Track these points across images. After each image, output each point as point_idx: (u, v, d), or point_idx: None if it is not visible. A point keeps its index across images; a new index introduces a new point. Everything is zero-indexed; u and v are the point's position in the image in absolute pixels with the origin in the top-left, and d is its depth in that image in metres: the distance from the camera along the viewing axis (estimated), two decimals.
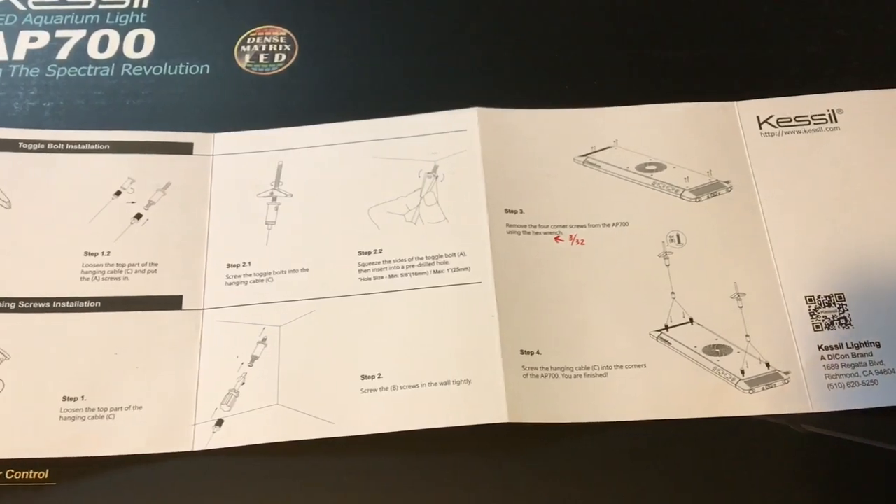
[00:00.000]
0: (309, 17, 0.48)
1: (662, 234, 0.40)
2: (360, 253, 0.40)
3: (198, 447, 0.36)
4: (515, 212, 0.41)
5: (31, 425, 0.35)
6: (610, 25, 0.47)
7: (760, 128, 0.42)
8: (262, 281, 0.39)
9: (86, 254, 0.39)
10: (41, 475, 0.35)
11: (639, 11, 0.47)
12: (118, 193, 0.41)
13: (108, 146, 0.42)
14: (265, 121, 0.44)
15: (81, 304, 0.38)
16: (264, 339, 0.38)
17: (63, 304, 0.38)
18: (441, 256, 0.39)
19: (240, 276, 0.39)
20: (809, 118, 0.42)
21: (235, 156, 0.43)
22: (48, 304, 0.38)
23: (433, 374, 0.37)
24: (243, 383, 0.37)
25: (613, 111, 0.44)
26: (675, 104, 0.43)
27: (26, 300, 0.38)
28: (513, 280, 0.39)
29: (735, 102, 0.43)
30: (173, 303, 0.39)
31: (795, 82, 0.44)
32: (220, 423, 0.36)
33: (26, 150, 0.42)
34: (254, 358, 0.37)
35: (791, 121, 0.42)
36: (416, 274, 0.39)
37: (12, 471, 0.35)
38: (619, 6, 0.48)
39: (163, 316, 0.38)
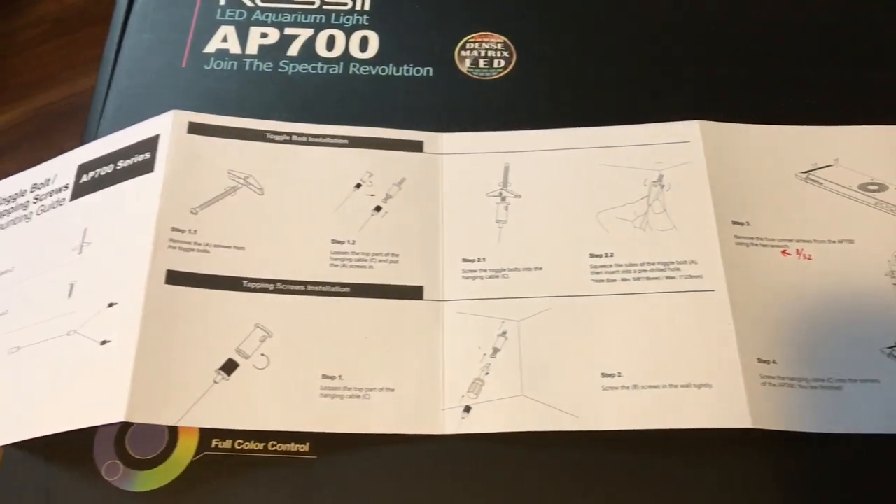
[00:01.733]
0: (525, 26, 0.49)
1: (888, 254, 0.41)
2: (592, 255, 0.41)
3: (447, 431, 0.38)
4: (742, 224, 0.42)
5: (294, 400, 0.38)
6: (825, 45, 0.48)
7: None
8: (497, 277, 0.41)
9: (333, 241, 0.42)
10: (302, 448, 0.38)
11: (854, 32, 0.48)
12: (358, 186, 0.43)
13: (346, 141, 0.45)
14: (486, 124, 0.46)
15: (332, 289, 0.40)
16: (504, 333, 0.40)
17: (316, 288, 0.40)
18: (672, 263, 0.41)
19: (475, 272, 0.41)
20: None
21: (463, 156, 0.45)
22: (303, 287, 0.40)
23: (673, 377, 0.38)
24: (487, 373, 0.39)
25: (833, 130, 0.45)
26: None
27: (283, 282, 0.40)
28: (744, 290, 0.40)
29: None
30: (415, 293, 0.41)
31: None
32: (467, 409, 0.38)
33: (273, 141, 0.44)
34: (496, 350, 0.39)
35: None
36: (648, 279, 0.40)
37: (275, 442, 0.38)
38: (834, 26, 0.48)
39: (406, 305, 0.40)
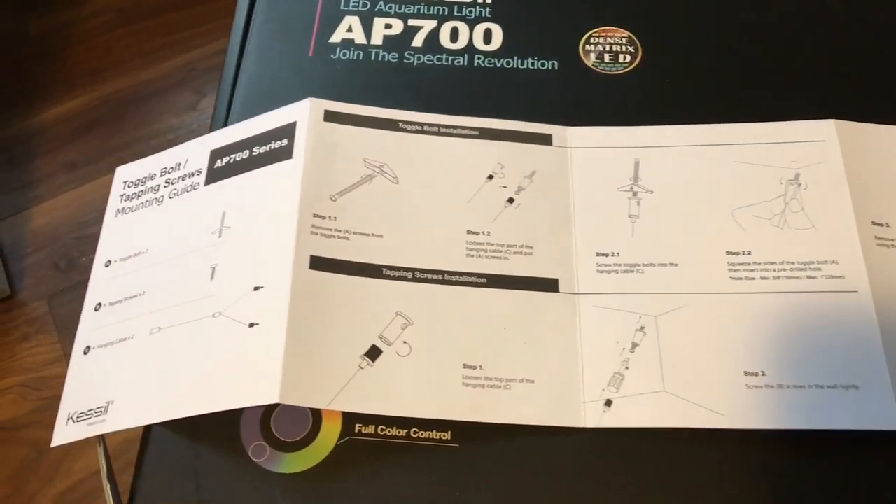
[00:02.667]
0: (649, 20, 0.49)
1: None
2: (729, 253, 0.41)
3: (589, 424, 0.38)
4: (882, 225, 0.41)
5: (437, 389, 0.38)
6: None
7: None
8: (632, 272, 0.41)
9: (468, 232, 0.42)
10: (444, 436, 0.38)
11: None
12: (490, 177, 0.43)
13: (477, 132, 0.45)
14: (612, 118, 0.46)
15: (469, 279, 0.41)
16: (642, 328, 0.40)
17: (453, 278, 0.40)
18: (812, 263, 0.40)
19: (610, 266, 0.41)
20: None
21: (592, 150, 0.45)
22: (441, 277, 0.40)
23: (819, 377, 0.38)
24: (627, 367, 0.39)
25: None
26: None
27: (421, 271, 0.40)
28: (887, 292, 0.39)
29: None
30: (550, 285, 0.41)
31: None
32: (608, 403, 0.38)
33: (406, 131, 0.44)
34: (634, 345, 0.39)
35: None
36: (788, 278, 0.40)
37: (417, 430, 0.38)
38: None
39: (541, 297, 0.40)
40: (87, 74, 1.42)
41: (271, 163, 0.42)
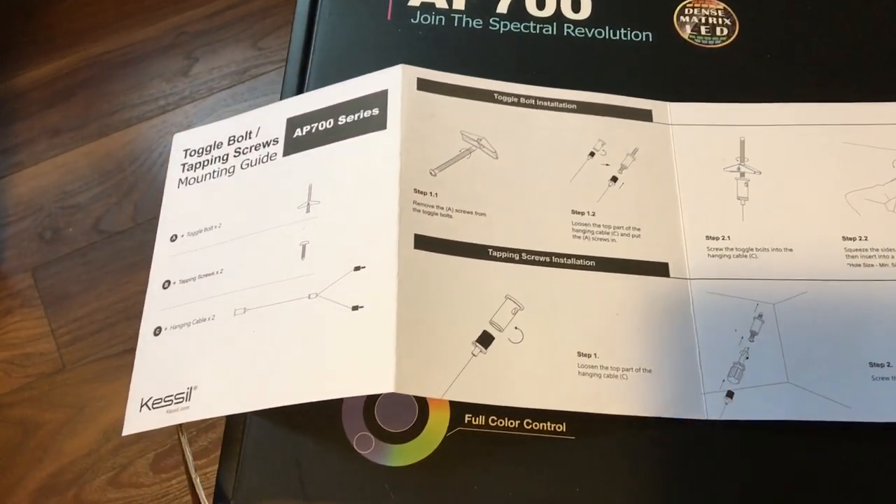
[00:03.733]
0: None
1: None
2: (845, 238, 0.39)
3: (711, 416, 0.36)
4: None
5: (553, 378, 0.36)
6: None
7: None
8: (745, 256, 0.39)
9: (573, 212, 0.39)
10: (559, 427, 0.36)
11: None
12: (592, 154, 0.41)
13: (574, 106, 0.42)
14: (712, 95, 0.44)
15: (578, 262, 0.38)
16: (760, 315, 0.38)
17: (561, 260, 0.38)
18: None
19: (721, 250, 0.39)
20: None
21: (694, 127, 0.43)
22: (548, 259, 0.38)
23: None
24: (747, 357, 0.37)
25: None
26: None
27: (528, 252, 0.38)
28: None
29: None
30: (660, 269, 0.39)
31: None
32: (730, 394, 0.36)
33: (502, 102, 0.42)
34: (753, 333, 0.37)
35: None
36: None
37: (530, 420, 0.36)
38: None
39: (652, 281, 0.38)
40: (72, 34, 1.35)
41: (362, 133, 0.39)
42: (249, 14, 1.31)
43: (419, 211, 0.37)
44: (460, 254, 0.37)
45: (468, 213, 0.38)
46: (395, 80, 0.40)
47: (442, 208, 0.38)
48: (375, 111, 0.40)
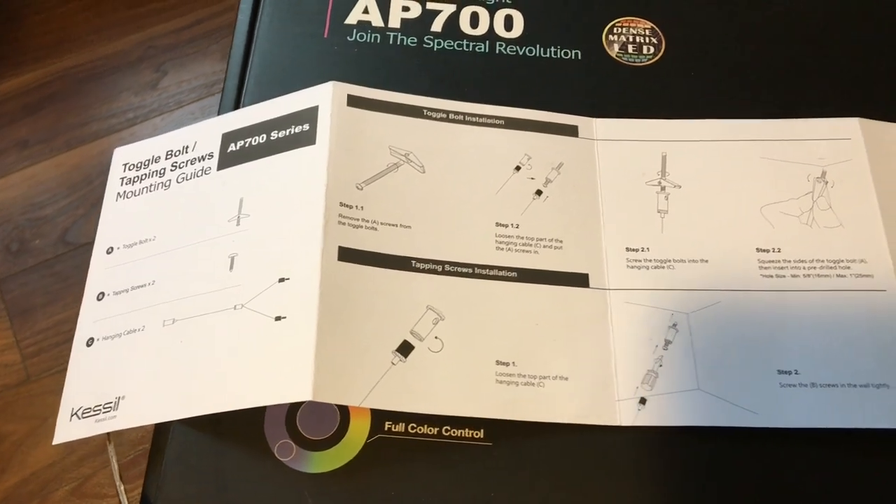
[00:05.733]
0: (672, 11, 0.48)
1: None
2: (759, 250, 0.41)
3: (624, 422, 0.37)
4: None
5: (471, 386, 0.37)
6: None
7: None
8: (662, 268, 0.40)
9: (497, 224, 0.41)
10: (477, 434, 0.37)
11: None
12: (517, 168, 0.42)
13: (502, 121, 0.44)
14: (637, 111, 0.45)
15: (500, 273, 0.39)
16: (675, 325, 0.39)
17: (484, 272, 0.39)
18: (842, 262, 0.40)
19: (640, 261, 0.41)
20: None
21: (618, 142, 0.44)
22: (471, 270, 0.39)
23: (851, 376, 0.38)
24: (661, 365, 0.38)
25: None
26: None
27: (451, 264, 0.39)
28: None
29: None
30: (580, 280, 0.40)
31: None
32: (643, 401, 0.37)
33: (430, 118, 0.43)
34: (667, 342, 0.39)
35: None
36: (818, 276, 0.40)
37: (449, 427, 0.37)
38: None
39: (573, 292, 0.40)
40: (42, 48, 1.36)
41: (292, 148, 0.40)
42: (217, 28, 1.32)
43: (344, 224, 0.38)
44: (384, 265, 0.38)
45: (393, 225, 0.39)
46: (326, 96, 0.41)
47: (367, 221, 0.39)
48: (306, 127, 0.41)
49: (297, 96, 0.42)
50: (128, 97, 1.32)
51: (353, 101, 0.42)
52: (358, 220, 0.39)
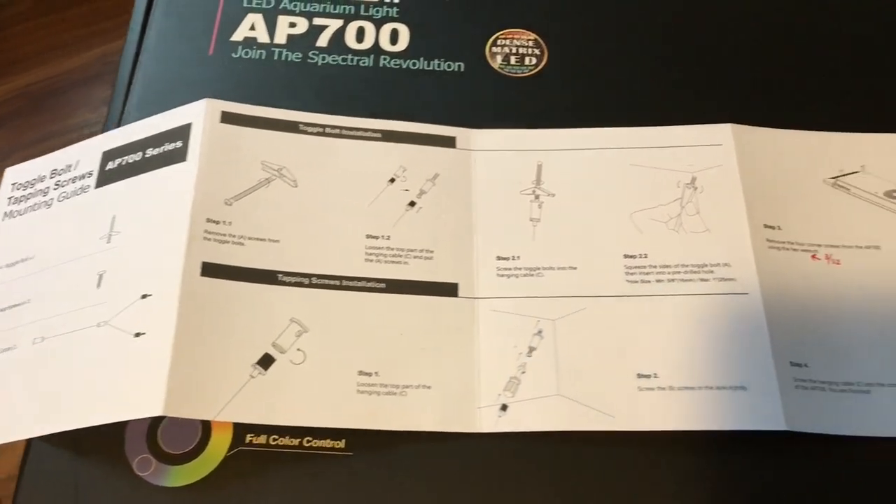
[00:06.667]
0: (555, 23, 0.49)
1: None
2: (626, 256, 0.41)
3: (484, 429, 0.38)
4: (774, 228, 0.42)
5: (331, 397, 0.37)
6: (860, 54, 0.48)
7: None
8: (532, 275, 0.41)
9: (368, 236, 0.41)
10: (338, 444, 0.37)
11: (888, 41, 0.49)
12: (392, 181, 0.43)
13: (379, 134, 0.44)
14: (518, 121, 0.46)
15: (368, 285, 0.40)
16: (540, 332, 0.40)
17: (351, 283, 0.40)
18: (706, 266, 0.41)
19: (510, 269, 0.41)
20: None
21: (496, 153, 0.45)
22: (338, 282, 0.40)
23: (709, 379, 0.38)
24: (523, 372, 0.39)
25: (860, 137, 0.45)
26: None
27: (318, 276, 0.40)
28: (777, 294, 0.40)
29: None
30: (449, 290, 0.41)
31: None
32: (504, 408, 0.38)
33: (306, 133, 0.44)
34: (531, 349, 0.39)
35: None
36: (682, 280, 0.41)
37: (310, 438, 0.37)
38: (868, 36, 0.49)
39: (440, 301, 0.40)
40: (1, 66, 1.36)
41: (165, 165, 0.41)
42: None
43: (210, 239, 0.39)
44: (249, 279, 0.39)
45: (261, 240, 0.40)
46: (199, 113, 0.42)
47: (234, 236, 0.39)
48: (179, 144, 0.41)
49: (172, 114, 0.43)
50: (84, 113, 1.32)
51: (228, 118, 0.42)
52: (225, 235, 0.39)
